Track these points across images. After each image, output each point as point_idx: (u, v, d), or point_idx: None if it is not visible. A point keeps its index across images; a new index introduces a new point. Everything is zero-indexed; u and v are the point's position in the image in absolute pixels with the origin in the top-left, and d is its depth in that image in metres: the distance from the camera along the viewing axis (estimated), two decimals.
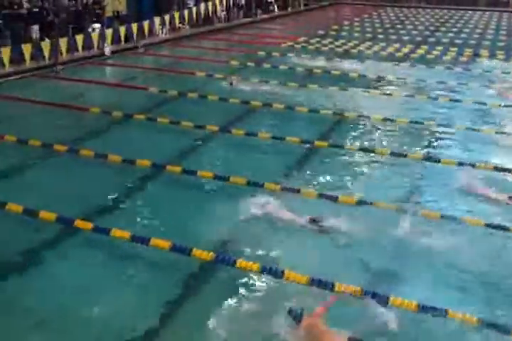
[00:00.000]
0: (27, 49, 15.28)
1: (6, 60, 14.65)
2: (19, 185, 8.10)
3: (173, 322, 5.20)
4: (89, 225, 6.64)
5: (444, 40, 21.96)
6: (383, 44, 20.63)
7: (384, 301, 5.27)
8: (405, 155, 9.25)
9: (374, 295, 5.34)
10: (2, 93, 13.04)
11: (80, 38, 16.93)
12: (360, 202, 7.39)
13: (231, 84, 13.88)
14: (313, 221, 6.76)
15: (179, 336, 5.05)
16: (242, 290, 5.60)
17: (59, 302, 5.40)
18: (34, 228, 6.73)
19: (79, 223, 6.68)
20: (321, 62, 17.02)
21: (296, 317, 4.82)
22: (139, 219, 7.06)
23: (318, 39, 21.53)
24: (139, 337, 4.93)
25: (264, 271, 5.76)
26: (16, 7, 16.29)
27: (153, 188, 8.07)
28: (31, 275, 5.87)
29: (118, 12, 20.25)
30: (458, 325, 5.04)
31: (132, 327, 5.04)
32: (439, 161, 9.05)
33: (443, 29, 25.41)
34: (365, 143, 9.98)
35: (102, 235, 6.44)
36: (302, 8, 32.63)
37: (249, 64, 16.63)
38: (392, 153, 9.28)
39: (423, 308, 5.23)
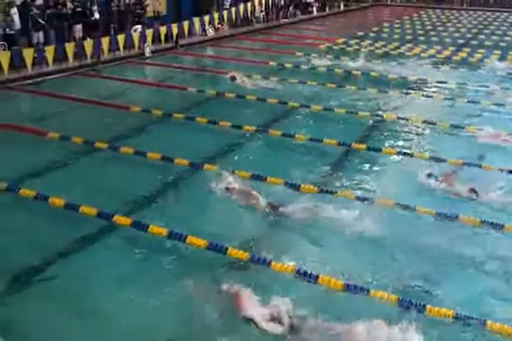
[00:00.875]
0: (70, 48, 15.63)
1: (49, 58, 15.03)
2: (61, 180, 8.29)
3: None
4: (128, 221, 6.75)
5: (488, 43, 21.48)
6: (424, 46, 20.31)
7: None
8: (445, 160, 9.06)
9: None
10: (46, 90, 13.40)
11: (121, 38, 17.23)
12: (398, 205, 7.29)
13: (233, 79, 13.96)
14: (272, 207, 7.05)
15: None
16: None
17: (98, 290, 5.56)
18: (75, 222, 6.87)
19: (118, 218, 6.81)
20: (360, 63, 16.87)
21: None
22: (175, 217, 7.13)
23: (357, 40, 21.35)
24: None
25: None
26: (59, 7, 16.70)
27: (190, 187, 8.12)
28: (72, 266, 6.05)
29: (158, 12, 20.54)
30: None
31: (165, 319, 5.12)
32: (480, 166, 8.84)
33: (486, 31, 24.86)
34: (404, 146, 9.83)
35: (140, 231, 6.55)
36: (342, 9, 32.41)
37: (287, 65, 16.63)
38: (432, 158, 9.12)
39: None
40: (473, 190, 7.69)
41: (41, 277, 5.87)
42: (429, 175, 8.07)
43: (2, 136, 10.09)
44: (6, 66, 13.81)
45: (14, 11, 15.10)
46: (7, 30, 14.94)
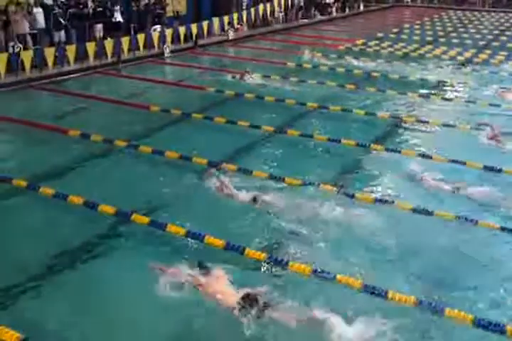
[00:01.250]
0: (91, 47, 15.78)
1: (71, 57, 15.18)
2: (80, 178, 8.38)
3: None
4: (146, 219, 6.80)
5: (509, 45, 21.19)
6: (445, 48, 20.12)
7: None
8: (464, 163, 8.97)
9: None
10: (66, 89, 13.55)
11: (141, 38, 17.34)
12: (415, 211, 7.24)
13: (241, 76, 14.03)
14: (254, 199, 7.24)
15: None
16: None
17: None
18: (93, 220, 6.94)
19: (136, 217, 6.85)
20: (379, 65, 16.78)
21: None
22: (192, 216, 7.15)
23: (377, 42, 21.23)
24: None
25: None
26: (81, 7, 16.87)
27: (208, 185, 8.14)
28: (89, 264, 6.11)
29: (178, 12, 20.64)
30: None
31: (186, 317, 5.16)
32: (499, 171, 8.70)
33: (508, 33, 24.53)
34: (423, 148, 9.75)
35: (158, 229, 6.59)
36: (361, 9, 32.23)
37: (306, 65, 16.60)
38: (452, 161, 9.01)
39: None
40: None
41: (57, 274, 5.96)
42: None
43: (23, 134, 10.23)
44: (28, 65, 13.98)
45: (38, 10, 15.30)
46: (29, 29, 15.13)
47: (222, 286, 5.36)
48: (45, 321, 5.16)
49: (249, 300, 5.07)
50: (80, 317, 5.25)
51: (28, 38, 14.93)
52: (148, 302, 5.39)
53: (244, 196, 7.45)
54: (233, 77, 14.37)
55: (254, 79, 14.17)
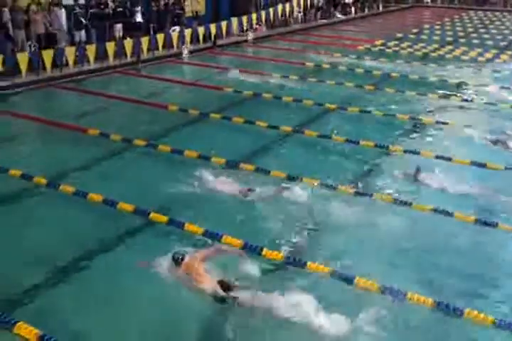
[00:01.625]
0: (110, 47, 15.90)
1: (91, 57, 15.32)
2: (100, 177, 8.45)
3: None
4: (164, 218, 6.83)
5: None
6: (465, 48, 19.92)
7: None
8: (484, 165, 8.86)
9: None
10: (86, 88, 13.68)
11: (160, 38, 17.43)
12: (435, 211, 7.20)
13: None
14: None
15: None
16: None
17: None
18: (113, 217, 6.99)
19: (154, 216, 6.89)
20: (398, 65, 16.67)
21: (176, 260, 5.64)
22: (209, 215, 7.18)
23: (396, 42, 21.09)
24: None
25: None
26: (102, 7, 17.02)
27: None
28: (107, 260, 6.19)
29: (197, 12, 20.72)
30: None
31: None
32: None
33: None
34: (442, 150, 9.65)
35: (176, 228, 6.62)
36: (380, 10, 32.04)
37: (324, 66, 16.55)
38: (473, 163, 8.93)
39: None
40: None
41: (76, 270, 6.03)
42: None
43: (43, 133, 10.36)
44: (48, 64, 14.13)
45: (59, 10, 15.47)
46: (49, 28, 15.31)
47: (200, 273, 5.55)
48: (64, 318, 5.22)
49: (223, 286, 5.29)
50: (96, 313, 5.30)
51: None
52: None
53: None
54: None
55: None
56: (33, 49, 14.65)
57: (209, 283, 5.42)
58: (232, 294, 5.28)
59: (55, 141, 9.89)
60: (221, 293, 5.29)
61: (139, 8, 17.80)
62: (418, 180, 8.17)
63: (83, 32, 16.08)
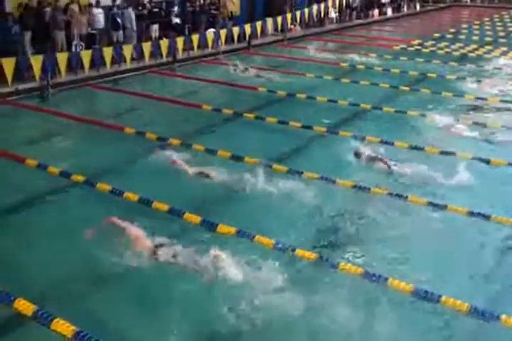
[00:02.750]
0: (146, 47, 16.09)
1: (127, 57, 15.53)
2: (134, 175, 8.57)
3: None
4: (198, 219, 6.88)
5: None
6: (505, 48, 19.46)
7: None
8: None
9: None
10: (123, 88, 13.89)
11: (195, 38, 17.56)
12: (472, 214, 7.10)
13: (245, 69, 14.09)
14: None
15: None
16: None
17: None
18: (148, 216, 7.08)
19: (188, 216, 6.95)
20: (435, 66, 16.40)
21: None
22: (242, 215, 7.21)
23: (433, 42, 20.76)
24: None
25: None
26: (140, 8, 17.28)
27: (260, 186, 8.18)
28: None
29: (232, 13, 20.81)
30: None
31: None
32: None
33: None
34: (480, 152, 9.46)
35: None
36: (418, 9, 31.59)
37: (359, 66, 16.42)
38: (510, 164, 8.75)
39: None
40: None
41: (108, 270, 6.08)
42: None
43: (82, 131, 10.56)
44: (87, 64, 14.40)
45: (98, 10, 15.78)
46: (89, 29, 15.62)
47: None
48: (102, 316, 5.31)
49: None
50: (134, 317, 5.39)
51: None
52: None
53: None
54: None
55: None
56: (79, 49, 14.94)
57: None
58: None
59: (92, 139, 10.05)
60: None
61: (175, 9, 17.99)
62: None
63: (120, 32, 16.33)
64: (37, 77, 13.07)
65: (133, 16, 16.31)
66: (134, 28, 16.43)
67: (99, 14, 15.75)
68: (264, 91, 13.34)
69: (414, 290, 5.47)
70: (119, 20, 16.18)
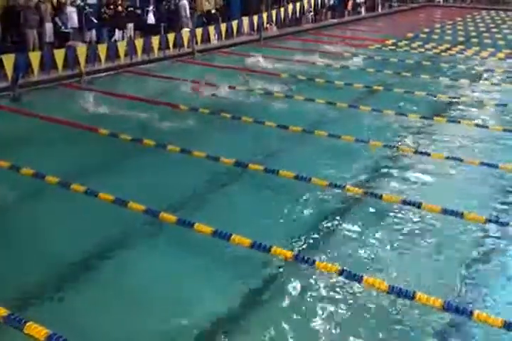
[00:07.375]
0: (121, 46, 15.92)
1: (102, 56, 15.33)
2: (109, 176, 8.48)
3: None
4: (174, 218, 6.82)
5: None
6: (476, 48, 19.79)
7: None
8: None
9: None
10: (97, 87, 13.71)
11: (171, 37, 17.40)
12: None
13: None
14: None
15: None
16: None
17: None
18: (123, 217, 7.02)
19: (163, 215, 6.89)
20: (408, 65, 16.59)
21: None
22: (219, 215, 7.18)
23: (406, 42, 20.99)
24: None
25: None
26: (112, 7, 17.04)
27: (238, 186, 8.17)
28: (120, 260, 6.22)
29: (208, 12, 20.72)
30: None
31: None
32: None
33: None
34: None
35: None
36: (392, 10, 31.92)
37: (335, 66, 16.51)
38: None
39: None
40: None
41: (83, 268, 6.06)
42: None
43: (56, 133, 10.39)
44: (60, 64, 14.18)
45: (71, 9, 15.56)
46: (62, 28, 15.40)
47: None
48: (75, 317, 5.23)
49: None
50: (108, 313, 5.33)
51: None
52: None
53: None
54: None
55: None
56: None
57: None
58: None
59: (67, 141, 9.89)
60: None
61: (150, 8, 17.86)
62: None
63: (94, 31, 16.13)
64: (9, 77, 12.84)
65: None
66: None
67: (71, 13, 15.53)
68: (243, 89, 13.28)
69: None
70: (93, 19, 16.00)
